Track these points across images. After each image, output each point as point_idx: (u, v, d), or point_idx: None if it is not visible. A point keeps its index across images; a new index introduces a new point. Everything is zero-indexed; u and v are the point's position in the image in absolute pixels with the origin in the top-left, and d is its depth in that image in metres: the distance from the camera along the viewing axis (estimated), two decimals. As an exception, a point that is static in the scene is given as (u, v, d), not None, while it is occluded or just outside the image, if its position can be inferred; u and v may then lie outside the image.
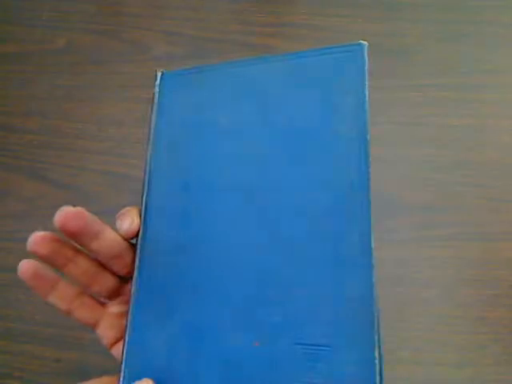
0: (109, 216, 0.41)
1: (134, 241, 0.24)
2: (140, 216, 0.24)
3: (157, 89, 0.27)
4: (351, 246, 0.20)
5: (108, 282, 0.24)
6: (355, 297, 0.19)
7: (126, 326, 0.23)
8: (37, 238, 0.22)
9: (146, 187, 0.25)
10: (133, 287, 0.23)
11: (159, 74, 0.27)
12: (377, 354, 0.18)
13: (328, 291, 0.20)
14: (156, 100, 0.26)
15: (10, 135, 0.45)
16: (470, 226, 0.39)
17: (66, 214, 0.22)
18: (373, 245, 0.20)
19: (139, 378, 0.21)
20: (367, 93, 0.22)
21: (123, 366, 0.22)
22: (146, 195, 0.25)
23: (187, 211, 0.23)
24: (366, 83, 0.23)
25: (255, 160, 0.23)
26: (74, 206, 0.22)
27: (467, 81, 0.46)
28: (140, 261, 0.23)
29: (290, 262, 0.21)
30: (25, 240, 0.41)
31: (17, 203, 0.42)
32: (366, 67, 0.23)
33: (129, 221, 0.23)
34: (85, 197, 0.41)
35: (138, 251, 0.24)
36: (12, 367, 0.36)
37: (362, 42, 0.24)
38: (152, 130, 0.26)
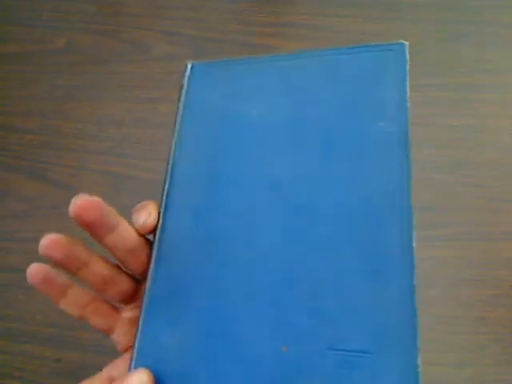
0: (109, 216, 0.41)
1: (150, 237, 0.23)
2: (159, 210, 0.23)
3: (186, 80, 0.25)
4: (391, 247, 0.19)
5: (123, 285, 0.23)
6: (396, 299, 0.18)
7: (139, 324, 0.21)
8: (50, 242, 0.21)
9: (168, 178, 0.23)
10: (148, 282, 0.21)
11: (189, 65, 0.26)
12: (419, 361, 0.17)
13: (366, 293, 0.18)
14: (184, 91, 0.25)
15: (10, 135, 0.45)
16: (470, 226, 0.39)
17: (81, 204, 0.20)
18: (414, 244, 0.19)
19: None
20: (408, 92, 0.22)
21: (133, 364, 0.20)
22: (168, 186, 0.23)
23: (213, 205, 0.22)
24: (407, 83, 0.22)
25: (288, 156, 0.22)
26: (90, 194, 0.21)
27: (467, 81, 0.46)
28: (157, 255, 0.22)
29: (324, 262, 0.19)
30: (25, 240, 0.41)
31: (17, 203, 0.42)
32: (407, 67, 0.23)
33: (145, 214, 0.22)
34: (85, 197, 0.41)
35: (156, 245, 0.22)
36: (12, 367, 0.36)
37: (403, 41, 0.24)
38: (179, 121, 0.25)
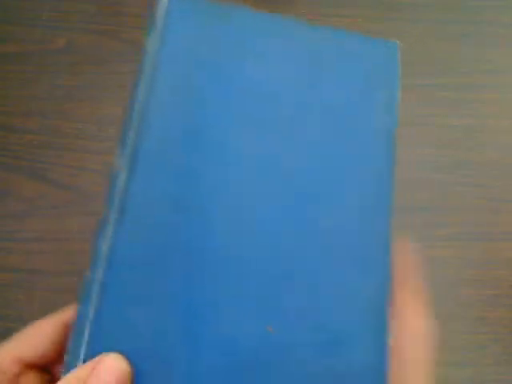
0: (109, 216, 0.41)
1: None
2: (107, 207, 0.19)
3: (161, 12, 0.20)
4: (371, 243, 0.20)
5: None
6: (372, 289, 0.19)
7: (88, 289, 0.17)
8: None
9: (137, 130, 0.19)
10: (106, 243, 0.17)
11: None
12: (388, 340, 0.19)
13: (347, 282, 0.19)
14: (160, 27, 0.20)
15: (10, 135, 0.45)
16: (470, 226, 0.39)
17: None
18: (390, 243, 0.20)
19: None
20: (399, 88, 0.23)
21: (85, 347, 0.16)
22: (138, 140, 0.19)
23: (193, 166, 0.19)
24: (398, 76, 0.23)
25: (282, 126, 0.20)
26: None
27: (467, 81, 0.46)
28: (123, 215, 0.18)
29: (314, 248, 0.19)
30: (25, 240, 0.41)
31: (17, 203, 0.42)
32: (399, 65, 0.24)
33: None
34: (85, 197, 0.41)
35: (121, 196, 0.18)
36: (12, 367, 0.36)
37: (395, 41, 0.24)
38: (150, 63, 0.21)
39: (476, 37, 0.48)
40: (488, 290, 0.36)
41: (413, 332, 0.20)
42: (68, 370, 0.16)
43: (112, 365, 0.15)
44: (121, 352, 0.16)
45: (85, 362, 0.16)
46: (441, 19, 0.50)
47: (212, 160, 0.19)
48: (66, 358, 0.16)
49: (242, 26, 0.21)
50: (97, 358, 0.15)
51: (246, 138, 0.19)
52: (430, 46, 0.48)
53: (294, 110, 0.20)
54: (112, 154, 0.48)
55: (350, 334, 0.18)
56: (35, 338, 0.20)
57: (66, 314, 0.21)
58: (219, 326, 0.17)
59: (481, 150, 0.42)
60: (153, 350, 0.17)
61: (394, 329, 0.19)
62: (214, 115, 0.19)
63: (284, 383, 0.17)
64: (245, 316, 0.18)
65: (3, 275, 0.39)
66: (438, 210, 0.39)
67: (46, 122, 0.46)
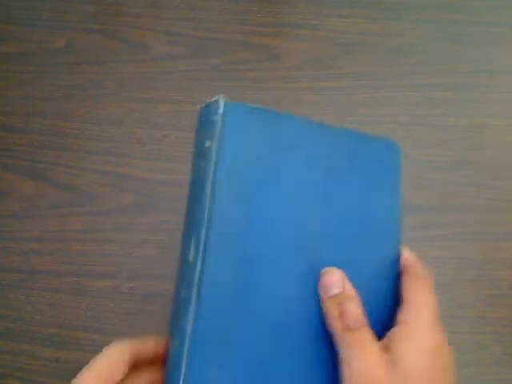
0: (109, 216, 0.41)
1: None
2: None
3: (219, 119, 0.23)
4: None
5: None
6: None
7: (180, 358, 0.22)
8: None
9: (204, 218, 0.22)
10: (190, 323, 0.22)
11: (222, 103, 0.23)
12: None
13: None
14: (218, 131, 0.23)
15: (10, 135, 0.45)
16: (470, 226, 0.39)
17: None
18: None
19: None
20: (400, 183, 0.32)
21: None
22: (206, 228, 0.22)
23: (248, 256, 0.23)
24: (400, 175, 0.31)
25: (310, 217, 0.25)
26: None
27: (467, 81, 0.46)
28: (199, 300, 0.22)
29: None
30: (25, 240, 0.41)
31: (17, 203, 0.42)
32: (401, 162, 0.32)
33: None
34: (85, 197, 0.41)
35: (197, 285, 0.22)
36: (12, 367, 0.36)
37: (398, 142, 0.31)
38: (211, 164, 0.23)
39: (476, 37, 0.48)
40: (488, 290, 0.36)
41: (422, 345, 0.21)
42: None
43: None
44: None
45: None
46: (441, 19, 0.50)
47: (261, 249, 0.24)
48: None
49: (280, 135, 0.25)
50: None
51: (282, 230, 0.24)
52: (430, 45, 0.48)
53: (314, 204, 0.25)
54: (112, 154, 0.49)
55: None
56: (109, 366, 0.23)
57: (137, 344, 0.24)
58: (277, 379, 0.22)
59: (481, 150, 0.42)
60: None
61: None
62: (262, 213, 0.24)
63: None
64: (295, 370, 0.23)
65: (3, 275, 0.39)
66: (438, 210, 0.39)
67: (45, 122, 0.46)
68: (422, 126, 0.43)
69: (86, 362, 0.25)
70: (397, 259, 0.26)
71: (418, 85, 0.46)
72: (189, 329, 0.21)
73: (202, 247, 0.22)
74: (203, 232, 0.22)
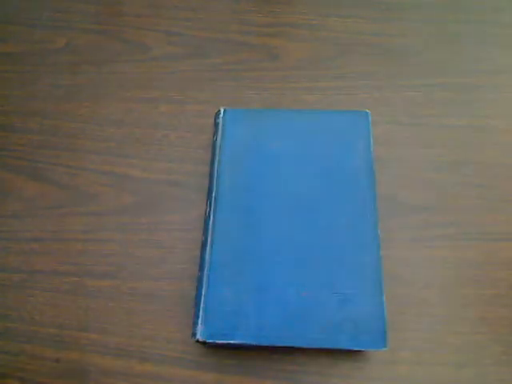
0: (109, 216, 0.41)
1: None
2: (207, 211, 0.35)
3: (220, 120, 0.39)
4: (365, 234, 0.34)
5: None
6: (369, 264, 0.33)
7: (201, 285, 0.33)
8: None
9: (214, 185, 0.36)
10: (208, 255, 0.33)
11: (222, 110, 0.39)
12: (384, 299, 0.32)
13: (353, 260, 0.33)
14: (220, 128, 0.38)
15: (9, 135, 0.45)
16: (469, 226, 0.39)
17: None
18: (379, 232, 0.34)
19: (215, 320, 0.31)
20: (372, 142, 0.38)
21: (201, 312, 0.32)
22: (216, 191, 0.36)
23: (252, 207, 0.35)
24: (371, 136, 0.38)
25: (296, 177, 0.36)
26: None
27: (467, 81, 0.46)
28: (212, 239, 0.34)
29: (327, 241, 0.34)
30: (25, 240, 0.41)
31: (17, 203, 0.42)
32: (370, 127, 0.39)
33: None
34: (85, 197, 0.41)
35: (211, 224, 0.34)
36: (12, 367, 0.36)
37: (366, 110, 0.39)
38: (217, 150, 0.37)
39: (476, 37, 0.48)
40: (488, 290, 0.36)
41: None
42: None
43: None
44: (218, 311, 0.32)
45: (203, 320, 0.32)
46: (441, 19, 0.50)
47: (261, 201, 0.35)
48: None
49: (267, 125, 0.38)
50: None
51: (275, 186, 0.36)
52: (430, 45, 0.48)
53: (296, 164, 0.37)
54: (112, 154, 0.49)
55: (355, 294, 0.32)
56: None
57: None
58: (275, 294, 0.32)
59: (481, 150, 0.42)
60: (236, 308, 0.32)
61: None
62: (258, 177, 0.36)
63: (314, 327, 0.31)
64: (290, 287, 0.32)
65: (3, 275, 0.39)
66: (438, 210, 0.39)
67: (45, 122, 0.46)
68: (422, 126, 0.43)
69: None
70: (373, 206, 0.34)
71: (417, 85, 0.46)
72: (207, 260, 0.33)
73: (213, 201, 0.35)
74: (214, 190, 0.36)
